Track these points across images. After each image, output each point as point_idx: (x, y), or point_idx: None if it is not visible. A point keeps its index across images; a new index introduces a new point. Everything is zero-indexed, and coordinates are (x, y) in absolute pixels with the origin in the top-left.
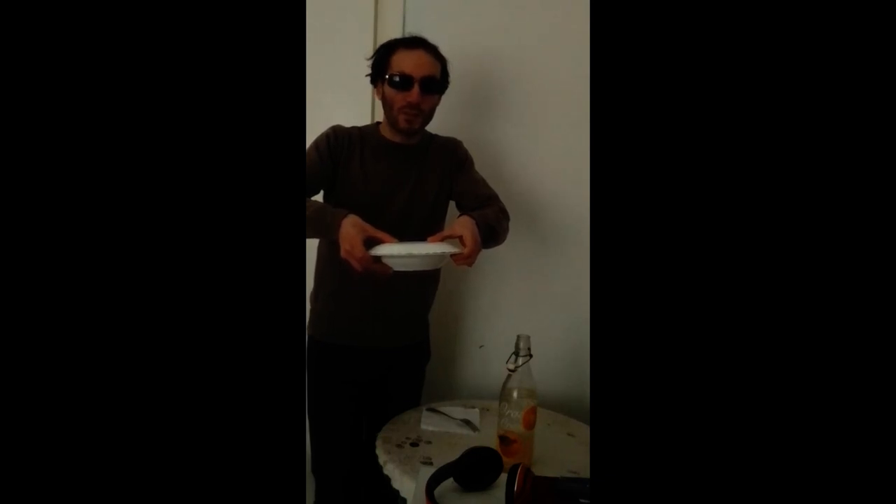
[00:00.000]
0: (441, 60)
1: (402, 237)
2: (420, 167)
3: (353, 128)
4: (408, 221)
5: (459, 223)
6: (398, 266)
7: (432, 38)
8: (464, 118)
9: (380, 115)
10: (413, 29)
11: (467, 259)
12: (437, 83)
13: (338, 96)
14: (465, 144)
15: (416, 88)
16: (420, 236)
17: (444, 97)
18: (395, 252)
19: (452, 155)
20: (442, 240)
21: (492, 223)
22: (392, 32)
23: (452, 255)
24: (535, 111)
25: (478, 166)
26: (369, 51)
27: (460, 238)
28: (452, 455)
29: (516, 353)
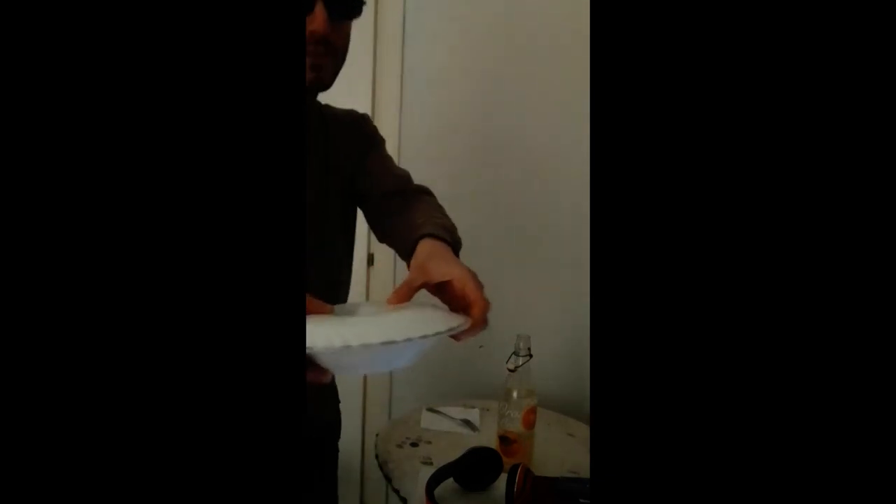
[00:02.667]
0: None
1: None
2: (326, 143)
3: None
4: (318, 231)
5: (435, 258)
6: (350, 366)
7: (432, 37)
8: (464, 116)
9: (381, 112)
10: (413, 29)
11: (476, 329)
12: (350, 3)
13: (337, 95)
14: (467, 142)
15: (320, 11)
16: (334, 257)
17: (444, 92)
18: (360, 340)
19: (360, 128)
20: (411, 293)
21: (453, 231)
22: (392, 32)
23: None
24: (536, 110)
25: (478, 163)
26: (369, 50)
27: (448, 287)
28: (452, 455)
29: (516, 353)
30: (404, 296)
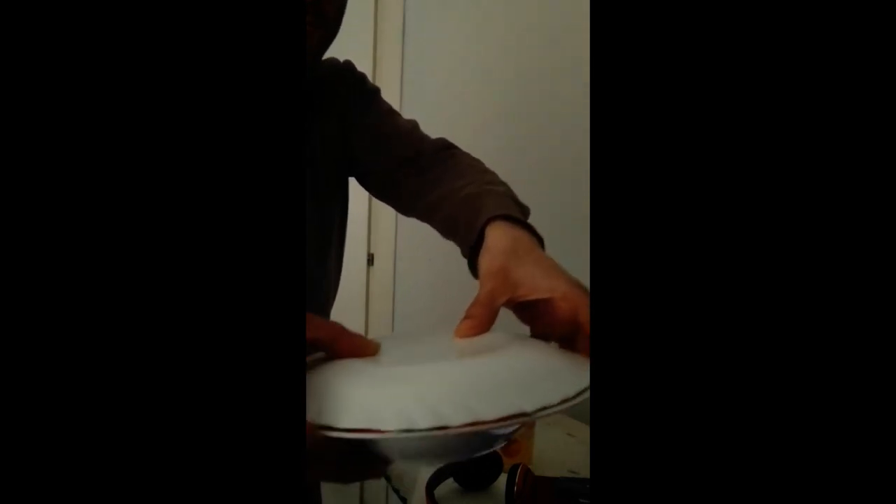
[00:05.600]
0: None
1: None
2: (311, 119)
3: None
4: (314, 228)
5: (522, 260)
6: (424, 455)
7: (433, 37)
8: (465, 118)
9: None
10: (413, 29)
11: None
12: None
13: None
14: (466, 143)
15: None
16: (330, 250)
17: (444, 93)
18: (467, 415)
19: (347, 84)
20: (493, 315)
21: (516, 197)
22: (392, 32)
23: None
24: (537, 110)
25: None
26: (369, 49)
27: (546, 306)
28: None
29: None
30: (485, 322)
